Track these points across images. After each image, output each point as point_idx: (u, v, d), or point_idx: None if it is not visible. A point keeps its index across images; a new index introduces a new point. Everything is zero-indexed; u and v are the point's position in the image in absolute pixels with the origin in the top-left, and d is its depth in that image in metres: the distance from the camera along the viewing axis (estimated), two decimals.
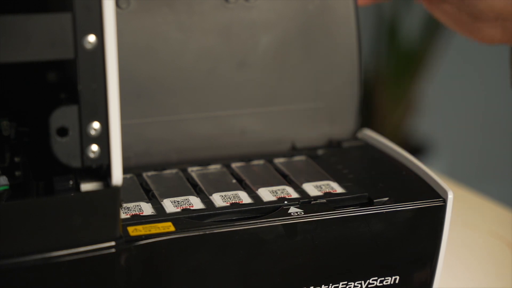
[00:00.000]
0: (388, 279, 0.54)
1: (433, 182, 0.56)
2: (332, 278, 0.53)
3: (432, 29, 1.86)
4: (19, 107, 0.57)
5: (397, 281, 0.55)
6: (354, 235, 0.53)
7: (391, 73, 1.90)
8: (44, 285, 0.47)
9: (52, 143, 0.46)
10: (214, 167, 0.59)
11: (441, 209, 0.54)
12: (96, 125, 0.46)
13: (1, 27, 0.43)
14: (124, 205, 0.52)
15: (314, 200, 0.53)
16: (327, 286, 0.53)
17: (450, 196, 0.54)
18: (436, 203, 0.54)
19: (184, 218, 0.50)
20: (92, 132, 0.46)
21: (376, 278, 0.54)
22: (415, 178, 0.57)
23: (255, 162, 0.60)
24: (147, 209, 0.52)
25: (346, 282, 0.53)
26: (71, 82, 0.52)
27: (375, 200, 0.54)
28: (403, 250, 0.54)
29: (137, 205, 0.52)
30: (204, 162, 0.59)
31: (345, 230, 0.52)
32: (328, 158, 0.62)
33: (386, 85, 1.90)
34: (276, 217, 0.51)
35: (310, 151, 0.63)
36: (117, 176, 0.47)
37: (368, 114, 1.89)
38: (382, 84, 1.91)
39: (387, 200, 0.54)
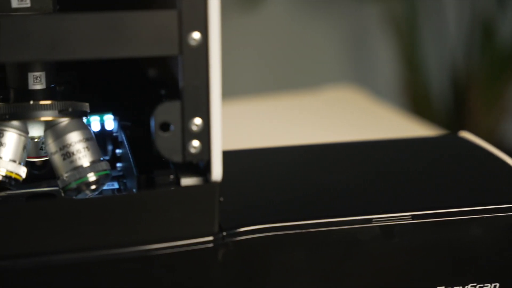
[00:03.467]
0: (487, 286, 0.53)
1: None
2: (430, 283, 0.52)
3: None
4: (121, 101, 0.59)
5: None
6: (454, 239, 0.52)
7: (485, 75, 1.86)
8: (142, 277, 0.48)
9: (155, 138, 0.46)
10: None
11: None
12: (198, 121, 0.47)
13: (109, 24, 0.44)
14: None
15: None
16: None
17: None
18: None
19: None
20: (194, 128, 0.47)
21: (475, 284, 0.53)
22: None
23: None
24: None
25: (443, 287, 0.52)
26: (172, 78, 0.53)
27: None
28: (504, 256, 0.53)
29: None
30: None
31: (445, 234, 0.51)
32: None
33: (480, 87, 1.86)
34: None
35: None
36: (216, 172, 0.47)
37: (460, 117, 1.85)
38: (475, 87, 1.86)
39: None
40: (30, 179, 0.55)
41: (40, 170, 0.56)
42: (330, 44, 1.79)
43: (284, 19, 1.73)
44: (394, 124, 1.05)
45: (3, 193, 0.53)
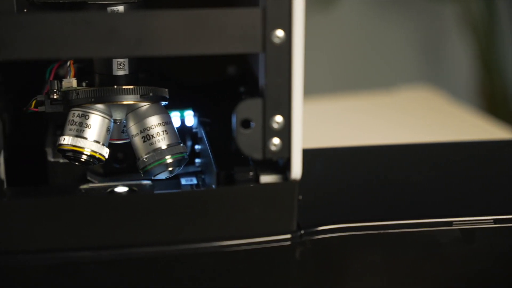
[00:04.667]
0: None
1: None
2: None
3: None
4: (201, 98, 0.59)
5: None
6: None
7: None
8: (220, 272, 0.48)
9: (235, 134, 0.47)
10: None
11: None
12: (279, 118, 0.47)
13: (194, 21, 0.44)
14: None
15: None
16: None
17: None
18: None
19: None
20: (275, 126, 0.47)
21: None
22: None
23: None
24: None
25: None
26: (252, 75, 0.53)
27: None
28: None
29: None
30: None
31: None
32: None
33: None
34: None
35: None
36: (296, 170, 0.47)
37: None
38: None
39: None
40: (111, 173, 0.57)
41: (121, 164, 0.57)
42: (405, 44, 1.77)
43: (359, 18, 1.71)
44: (471, 126, 1.03)
45: (85, 186, 0.54)
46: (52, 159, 0.56)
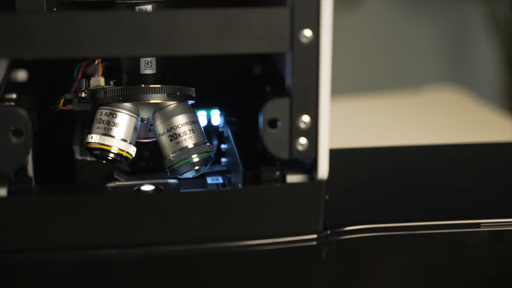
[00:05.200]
0: None
1: None
2: None
3: None
4: (227, 97, 0.59)
5: None
6: None
7: None
8: (245, 271, 0.48)
9: (262, 134, 0.47)
10: None
11: None
12: (306, 118, 0.47)
13: (222, 20, 0.44)
14: None
15: None
16: None
17: None
18: None
19: None
20: (302, 125, 0.47)
21: None
22: None
23: None
24: None
25: None
26: (278, 75, 0.53)
27: None
28: None
29: None
30: None
31: None
32: None
33: None
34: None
35: None
36: (323, 170, 0.47)
37: None
38: None
39: None
40: (138, 171, 0.57)
41: (148, 162, 0.58)
42: (430, 44, 1.76)
43: (385, 18, 1.71)
44: (497, 126, 1.02)
45: (112, 184, 0.54)
46: (79, 157, 0.57)
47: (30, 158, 0.54)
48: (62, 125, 0.58)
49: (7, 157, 0.45)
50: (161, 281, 0.48)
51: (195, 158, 0.50)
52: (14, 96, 0.51)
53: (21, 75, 0.56)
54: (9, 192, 0.46)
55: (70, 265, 0.47)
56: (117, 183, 0.54)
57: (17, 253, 0.46)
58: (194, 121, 0.51)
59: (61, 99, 0.51)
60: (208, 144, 0.51)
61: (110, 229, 0.47)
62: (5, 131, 0.44)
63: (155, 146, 0.52)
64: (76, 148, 0.57)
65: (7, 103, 0.49)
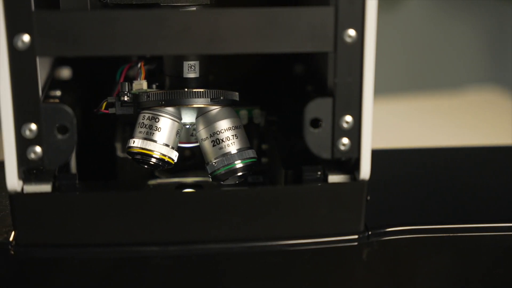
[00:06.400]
0: None
1: None
2: None
3: None
4: (269, 96, 0.59)
5: None
6: None
7: None
8: (285, 271, 0.48)
9: (305, 133, 0.47)
10: None
11: None
12: (348, 118, 0.46)
13: (266, 19, 0.44)
14: None
15: None
16: None
17: None
18: None
19: None
20: (344, 125, 0.46)
21: None
22: None
23: None
24: None
25: None
26: (321, 74, 0.53)
27: None
28: None
29: None
30: None
31: None
32: None
33: None
34: None
35: None
36: (365, 170, 0.47)
37: None
38: None
39: None
40: (179, 169, 0.57)
41: (188, 160, 0.58)
42: (471, 45, 1.74)
43: (425, 18, 1.69)
44: None
45: (153, 181, 0.55)
46: (121, 155, 0.57)
47: (73, 155, 0.54)
48: (104, 122, 0.59)
49: (53, 153, 0.45)
50: (201, 279, 0.48)
51: (238, 164, 0.50)
52: (58, 93, 0.51)
53: (65, 72, 0.57)
54: (53, 188, 0.47)
55: (111, 261, 0.47)
56: (158, 180, 0.55)
57: (59, 248, 0.46)
58: (237, 126, 0.50)
59: (104, 102, 0.50)
60: (251, 150, 0.50)
61: (151, 226, 0.47)
62: (50, 128, 0.45)
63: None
64: (118, 146, 0.57)
65: (51, 100, 0.50)
